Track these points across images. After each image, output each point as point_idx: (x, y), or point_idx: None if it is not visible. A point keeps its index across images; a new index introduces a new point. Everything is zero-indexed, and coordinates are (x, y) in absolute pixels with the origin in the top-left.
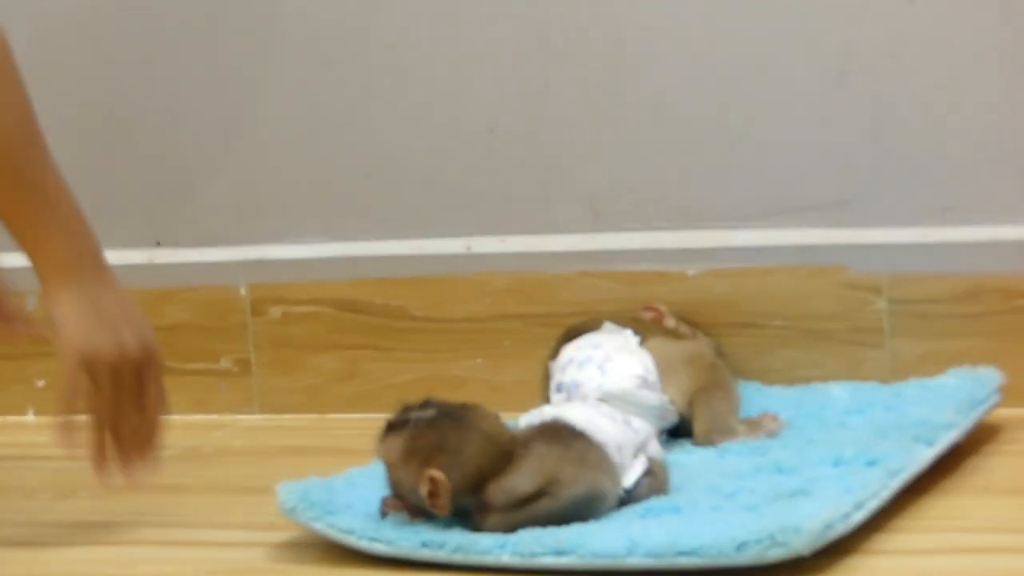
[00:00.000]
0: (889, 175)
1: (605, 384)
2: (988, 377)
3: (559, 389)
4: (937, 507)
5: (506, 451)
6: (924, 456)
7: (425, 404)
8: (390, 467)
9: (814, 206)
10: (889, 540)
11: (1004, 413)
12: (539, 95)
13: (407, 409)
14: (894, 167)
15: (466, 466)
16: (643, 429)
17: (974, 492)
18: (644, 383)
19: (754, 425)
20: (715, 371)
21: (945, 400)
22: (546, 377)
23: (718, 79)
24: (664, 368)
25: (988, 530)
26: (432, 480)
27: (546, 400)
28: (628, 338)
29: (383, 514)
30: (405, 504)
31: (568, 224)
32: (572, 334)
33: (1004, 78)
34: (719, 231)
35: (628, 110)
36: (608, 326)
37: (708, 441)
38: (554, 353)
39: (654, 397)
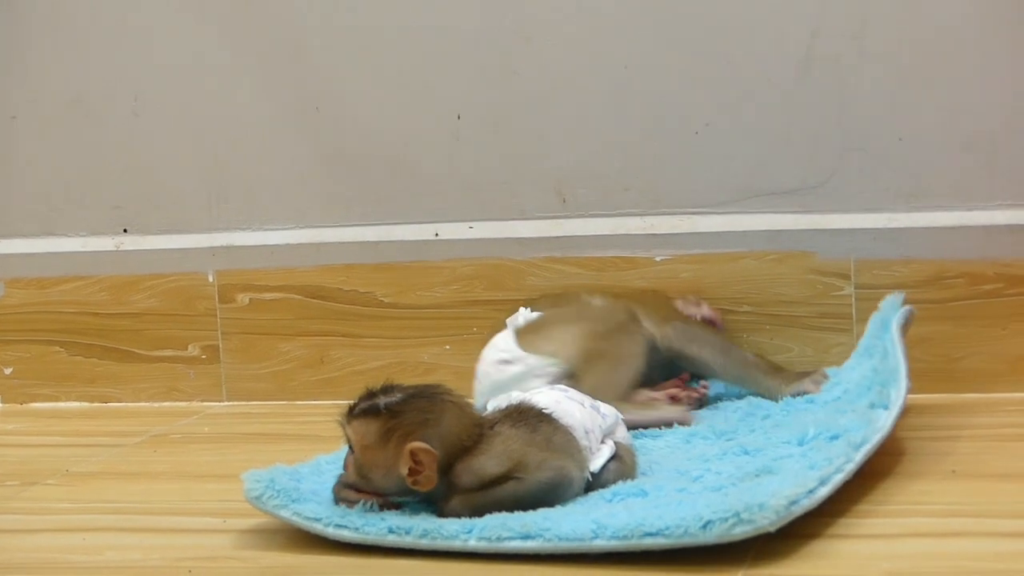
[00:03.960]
0: (855, 161)
1: (485, 381)
2: (891, 300)
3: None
4: (903, 491)
5: (476, 424)
6: (884, 421)
7: (388, 387)
8: (363, 450)
9: (780, 192)
10: (855, 524)
11: (972, 398)
12: (506, 82)
13: (371, 394)
14: (860, 153)
15: (447, 437)
16: (611, 414)
17: (940, 476)
18: (504, 361)
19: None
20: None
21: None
22: None
23: (684, 66)
24: (548, 327)
25: (953, 514)
26: (415, 452)
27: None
28: (517, 318)
29: (339, 503)
30: (372, 493)
31: (536, 210)
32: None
33: (969, 65)
34: (686, 217)
35: (595, 97)
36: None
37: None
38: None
39: (516, 368)
